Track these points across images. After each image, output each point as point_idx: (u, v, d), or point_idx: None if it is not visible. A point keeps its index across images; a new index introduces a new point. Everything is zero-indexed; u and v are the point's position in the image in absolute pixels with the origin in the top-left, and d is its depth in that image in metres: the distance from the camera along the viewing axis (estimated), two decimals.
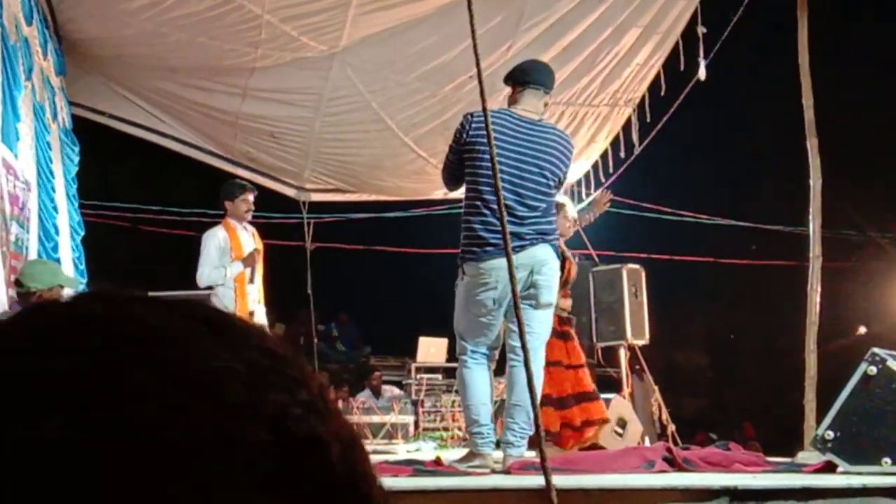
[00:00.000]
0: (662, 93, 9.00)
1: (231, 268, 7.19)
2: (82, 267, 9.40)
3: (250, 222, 7.57)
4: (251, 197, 7.42)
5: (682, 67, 8.55)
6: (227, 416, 0.51)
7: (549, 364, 5.85)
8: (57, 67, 9.00)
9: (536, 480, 3.63)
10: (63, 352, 0.52)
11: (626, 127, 9.62)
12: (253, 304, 7.27)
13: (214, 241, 7.29)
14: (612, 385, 9.20)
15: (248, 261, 7.19)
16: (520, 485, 3.59)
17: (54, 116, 8.91)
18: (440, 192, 10.78)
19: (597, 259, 10.36)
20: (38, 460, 0.48)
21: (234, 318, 0.59)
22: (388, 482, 3.27)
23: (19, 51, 7.48)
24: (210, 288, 7.18)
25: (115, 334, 0.53)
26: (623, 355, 9.38)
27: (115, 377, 0.51)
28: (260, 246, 7.50)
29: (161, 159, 10.90)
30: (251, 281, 7.26)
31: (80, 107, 9.77)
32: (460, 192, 5.51)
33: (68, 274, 6.03)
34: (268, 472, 0.51)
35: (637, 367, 10.09)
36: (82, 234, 9.65)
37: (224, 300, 7.12)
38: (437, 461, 5.01)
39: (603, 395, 7.71)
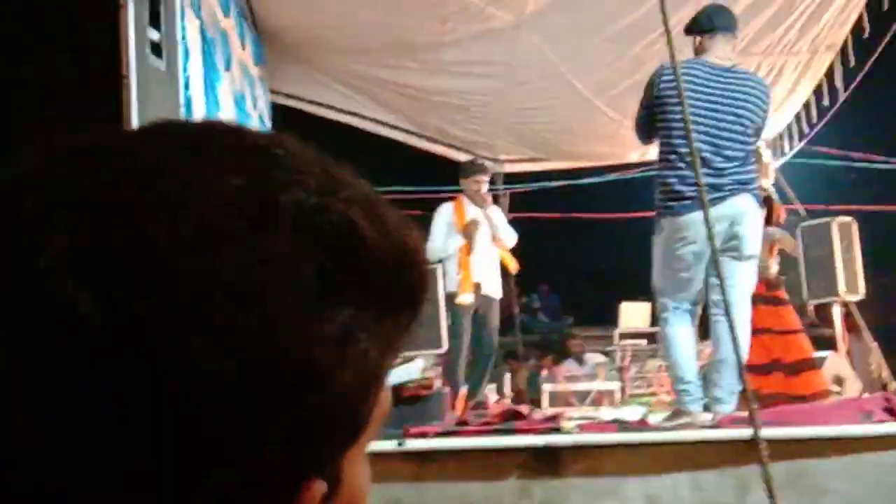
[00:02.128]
0: (866, 35, 8.52)
1: (452, 239, 7.42)
2: None
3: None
4: (482, 178, 7.77)
5: (885, 6, 8.08)
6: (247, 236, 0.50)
7: (757, 332, 5.67)
8: (255, 57, 9.35)
9: (745, 432, 3.53)
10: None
11: (829, 74, 9.17)
12: (479, 275, 7.43)
13: (440, 216, 7.71)
14: (827, 344, 8.84)
15: (467, 232, 7.40)
16: (728, 437, 3.49)
17: (254, 105, 9.26)
18: (635, 155, 10.61)
19: (804, 213, 9.95)
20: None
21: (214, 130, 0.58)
22: (593, 437, 3.25)
23: (218, 43, 7.81)
24: (439, 261, 7.42)
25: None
26: (837, 313, 8.98)
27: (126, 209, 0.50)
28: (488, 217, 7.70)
29: (359, 141, 11.15)
30: (472, 251, 7.43)
31: (280, 94, 10.12)
32: (654, 154, 5.41)
33: None
34: (316, 275, 0.51)
35: (853, 324, 9.65)
36: None
37: (449, 272, 7.39)
38: (643, 420, 4.94)
39: (818, 354, 7.43)
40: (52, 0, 2.66)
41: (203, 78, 7.04)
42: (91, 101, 2.54)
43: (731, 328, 3.26)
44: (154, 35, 2.69)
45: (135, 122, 2.50)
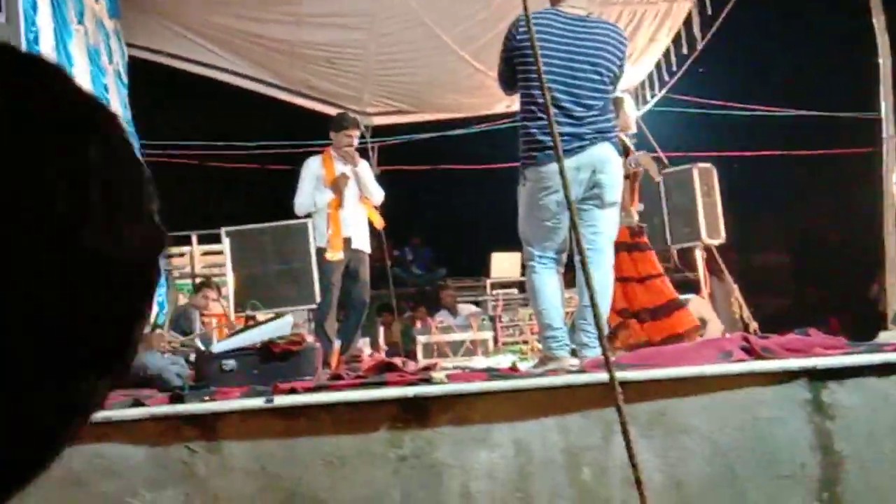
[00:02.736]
0: None
1: (321, 194, 7.33)
2: None
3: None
4: (353, 132, 7.60)
5: None
6: None
7: (620, 280, 5.82)
8: (110, 10, 9.04)
9: (605, 376, 3.61)
10: None
11: (688, 22, 9.37)
12: (348, 230, 7.37)
13: (308, 170, 7.54)
14: (691, 287, 9.10)
15: (336, 186, 7.30)
16: (590, 380, 3.56)
17: (110, 59, 8.97)
18: (502, 106, 10.68)
19: (666, 161, 10.19)
20: None
21: None
22: (462, 386, 3.27)
23: None
24: (309, 216, 7.32)
25: None
26: (699, 256, 9.25)
27: None
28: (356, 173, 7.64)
29: (221, 95, 10.94)
30: (342, 206, 7.35)
31: (137, 47, 9.82)
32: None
33: None
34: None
35: (715, 267, 9.96)
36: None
37: (319, 227, 7.32)
38: (513, 367, 5.01)
39: (682, 297, 7.65)
40: None
41: (53, 33, 6.77)
42: None
43: (587, 275, 3.32)
44: None
45: None
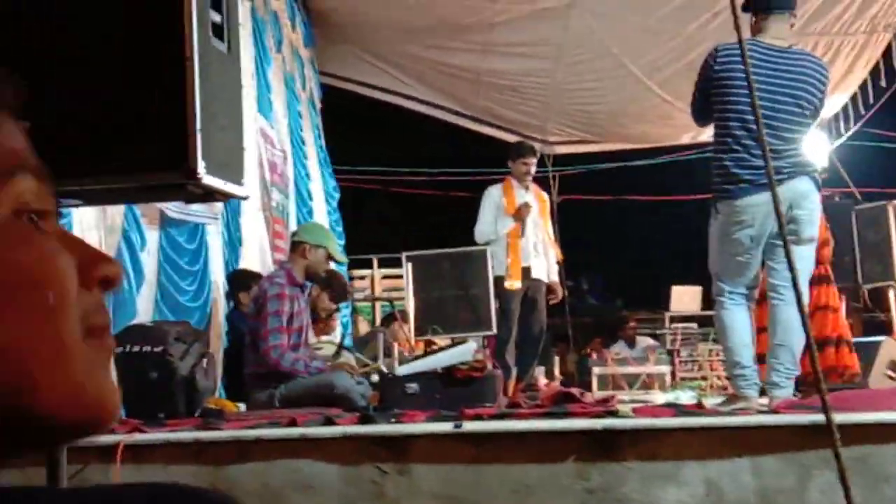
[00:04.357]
0: None
1: (501, 223, 7.40)
2: (340, 229, 9.80)
3: (535, 181, 7.84)
4: (530, 160, 7.66)
5: None
6: None
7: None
8: (305, 39, 9.38)
9: (807, 418, 3.49)
10: None
11: (886, 54, 9.02)
12: (528, 259, 7.42)
13: (489, 198, 7.65)
14: (882, 328, 8.73)
15: (518, 215, 7.36)
16: (791, 422, 3.45)
17: (304, 86, 9.30)
18: (687, 137, 10.52)
19: (859, 196, 9.82)
20: None
21: None
22: (651, 421, 3.22)
23: (268, 24, 7.84)
24: (487, 243, 7.40)
25: None
26: (893, 296, 8.86)
27: None
28: (541, 203, 7.68)
29: (408, 122, 11.17)
30: (522, 235, 7.40)
31: (329, 76, 10.15)
32: (708, 136, 5.33)
33: (338, 246, 6.32)
34: None
35: None
36: (337, 197, 10.05)
37: (498, 256, 7.37)
38: (699, 405, 4.90)
39: (873, 338, 7.34)
40: None
41: (253, 60, 7.07)
42: (155, 84, 2.55)
43: (802, 315, 3.21)
44: (216, 17, 2.69)
45: (198, 104, 2.51)
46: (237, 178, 2.84)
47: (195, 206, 5.66)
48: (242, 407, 5.43)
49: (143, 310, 5.11)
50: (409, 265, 7.52)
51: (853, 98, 9.77)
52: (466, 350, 5.42)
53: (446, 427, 3.59)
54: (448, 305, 7.41)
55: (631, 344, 11.36)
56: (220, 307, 6.15)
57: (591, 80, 9.60)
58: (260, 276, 6.42)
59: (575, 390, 5.32)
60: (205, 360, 5.02)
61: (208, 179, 2.61)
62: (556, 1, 8.26)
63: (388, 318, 8.55)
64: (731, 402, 4.77)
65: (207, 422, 4.13)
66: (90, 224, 4.42)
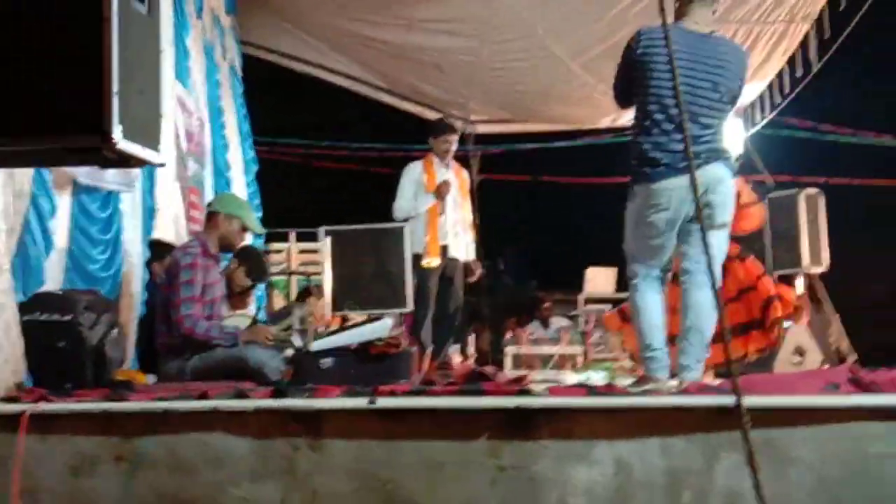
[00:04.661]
0: (842, 7, 8.49)
1: (421, 200, 7.38)
2: (257, 202, 9.69)
3: (455, 159, 7.84)
4: (451, 137, 7.68)
5: None
6: None
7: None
8: (227, 6, 9.22)
9: (716, 399, 3.55)
10: None
11: (804, 44, 9.17)
12: (447, 238, 7.42)
13: (409, 174, 7.64)
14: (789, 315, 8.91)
15: (438, 193, 7.35)
16: (700, 403, 3.51)
17: (224, 55, 9.14)
18: (608, 120, 10.61)
19: (772, 184, 10.00)
20: None
21: None
22: (565, 400, 3.24)
23: None
24: (406, 220, 7.37)
25: None
26: (800, 284, 9.05)
27: None
28: (461, 181, 7.67)
29: (331, 95, 11.07)
30: (442, 213, 7.39)
31: (252, 45, 10.00)
32: (627, 119, 5.36)
33: (255, 217, 6.23)
34: None
35: (815, 296, 9.75)
36: (256, 168, 9.92)
37: (416, 233, 7.36)
38: (610, 385, 4.96)
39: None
40: None
41: (172, 25, 6.92)
42: (72, 44, 2.48)
43: (718, 298, 3.25)
44: None
45: (115, 66, 2.44)
46: (154, 144, 2.78)
47: (108, 174, 5.54)
48: (152, 379, 5.35)
49: (53, 277, 4.99)
50: (327, 240, 7.47)
51: (769, 86, 9.93)
52: (382, 326, 5.41)
53: (360, 402, 3.58)
54: (365, 281, 7.38)
55: (545, 324, 11.47)
56: (133, 277, 6.03)
57: (516, 61, 9.60)
58: (174, 246, 6.31)
59: (488, 369, 5.34)
60: (115, 331, 4.93)
61: (124, 144, 2.55)
62: None
63: (304, 293, 8.48)
64: (642, 383, 4.83)
65: (116, 393, 4.06)
66: None
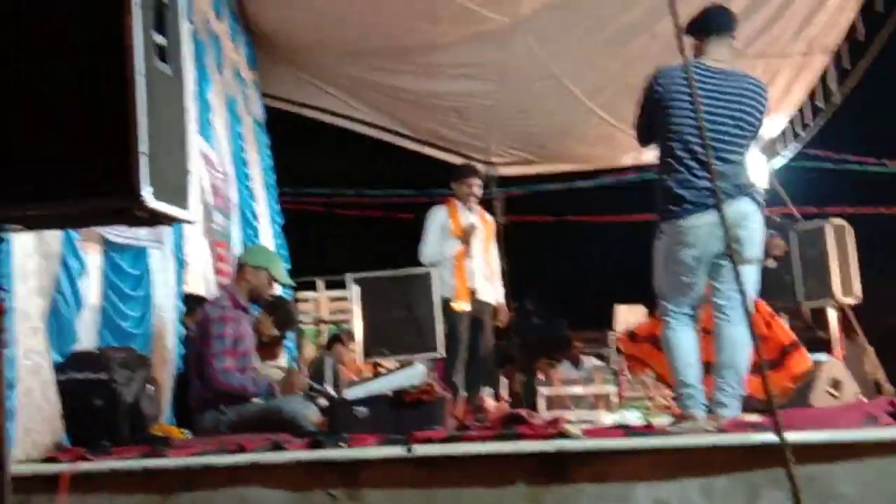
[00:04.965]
0: (860, 37, 8.50)
1: (447, 245, 7.38)
2: (284, 252, 9.73)
3: (479, 203, 7.81)
4: (474, 181, 7.68)
5: (879, 8, 8.05)
6: None
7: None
8: (249, 61, 9.32)
9: (757, 437, 3.52)
10: None
11: (823, 76, 9.17)
12: (474, 282, 7.42)
13: (434, 219, 7.61)
14: (823, 347, 8.84)
15: (464, 236, 7.35)
16: (741, 442, 3.48)
17: (247, 108, 9.24)
18: (629, 158, 10.63)
19: (798, 216, 9.97)
20: None
21: None
22: (602, 443, 3.22)
23: (209, 46, 7.78)
24: (433, 265, 7.38)
25: None
26: (832, 315, 8.99)
27: None
28: (485, 225, 7.67)
29: (352, 144, 11.15)
30: (469, 256, 7.39)
31: (273, 98, 10.10)
32: (650, 157, 5.36)
33: (282, 268, 6.27)
34: None
35: (848, 327, 9.67)
36: (282, 222, 9.98)
37: (444, 277, 7.35)
38: (648, 425, 4.92)
39: (815, 356, 7.42)
40: (59, 4, 2.64)
41: (195, 81, 7.00)
42: (99, 107, 2.52)
43: (751, 335, 3.24)
44: (160, 39, 2.67)
45: (142, 126, 2.48)
46: (182, 201, 2.80)
47: (138, 231, 5.59)
48: (189, 434, 5.35)
49: (86, 336, 5.02)
50: (355, 287, 7.48)
51: (791, 120, 9.93)
52: (416, 373, 5.39)
53: (397, 451, 3.57)
54: (394, 328, 7.37)
55: (576, 364, 11.40)
56: (166, 332, 6.06)
57: (534, 102, 9.65)
58: (204, 299, 6.34)
59: (523, 411, 5.31)
60: (150, 387, 4.94)
61: (153, 203, 2.57)
62: (498, 24, 8.29)
63: (333, 340, 8.49)
64: (678, 422, 4.80)
65: (154, 449, 4.07)
66: (29, 250, 4.33)
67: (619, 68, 8.78)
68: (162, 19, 2.75)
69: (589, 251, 16.11)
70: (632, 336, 6.65)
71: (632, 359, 6.83)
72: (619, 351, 7.02)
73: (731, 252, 3.35)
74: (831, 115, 9.42)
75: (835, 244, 8.75)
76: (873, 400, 6.44)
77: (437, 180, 10.03)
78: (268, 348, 6.86)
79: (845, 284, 8.79)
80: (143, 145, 2.53)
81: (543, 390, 9.57)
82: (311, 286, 9.44)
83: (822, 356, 7.41)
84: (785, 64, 9.07)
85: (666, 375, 6.25)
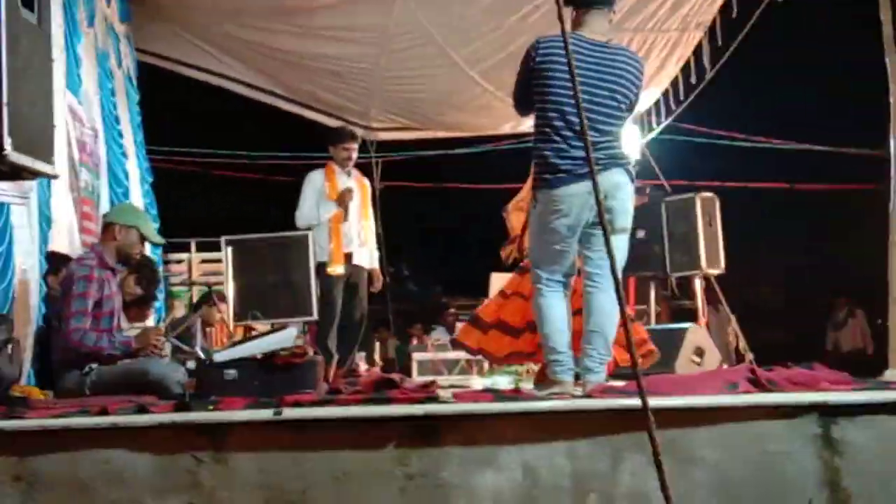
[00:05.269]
0: (734, 15, 8.70)
1: (323, 208, 7.31)
2: (154, 212, 9.51)
3: (356, 167, 7.79)
4: (351, 145, 7.62)
5: None
6: None
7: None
8: (121, 14, 9.03)
9: (622, 402, 3.61)
10: None
11: (697, 52, 9.38)
12: (350, 245, 7.38)
13: (311, 183, 7.53)
14: (688, 316, 9.11)
15: (341, 201, 7.30)
16: (605, 406, 3.55)
17: (119, 63, 8.96)
18: (508, 126, 10.70)
19: (668, 188, 10.21)
20: None
21: None
22: (472, 406, 3.25)
23: None
24: (309, 229, 7.31)
25: None
26: (698, 286, 9.25)
27: None
28: (362, 189, 7.62)
29: (229, 104, 10.94)
30: (345, 220, 7.34)
31: (147, 53, 9.82)
32: (528, 126, 5.40)
33: (153, 227, 6.10)
34: None
35: (712, 297, 9.97)
36: (151, 180, 9.75)
37: (319, 241, 7.30)
38: (517, 389, 4.99)
39: (679, 325, 7.64)
40: None
41: (63, 35, 6.75)
42: None
43: (620, 302, 3.31)
44: None
45: (3, 76, 2.38)
46: (47, 155, 2.72)
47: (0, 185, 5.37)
48: (50, 394, 5.21)
49: None
50: (229, 249, 7.38)
51: (665, 93, 10.12)
52: (287, 336, 5.34)
53: (265, 414, 3.53)
54: (268, 291, 7.32)
55: (451, 330, 11.50)
56: (28, 290, 5.86)
57: (415, 68, 9.62)
58: (69, 258, 6.15)
59: (395, 376, 5.33)
60: (9, 346, 4.78)
61: (15, 156, 2.48)
62: None
63: (202, 301, 8.36)
64: (546, 387, 4.88)
65: (12, 410, 3.94)
66: None
67: (501, 37, 8.81)
68: None
69: (466, 218, 16.21)
70: (475, 321, 6.38)
71: (475, 351, 6.63)
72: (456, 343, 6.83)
73: (603, 221, 3.38)
74: (703, 91, 9.63)
75: (702, 216, 8.99)
76: (734, 367, 6.64)
77: (315, 144, 9.93)
78: (136, 309, 6.71)
79: (711, 256, 9.05)
80: (5, 96, 2.43)
81: (416, 355, 9.63)
82: (184, 248, 9.24)
83: (687, 325, 7.63)
84: (660, 39, 9.24)
85: (505, 360, 6.34)
